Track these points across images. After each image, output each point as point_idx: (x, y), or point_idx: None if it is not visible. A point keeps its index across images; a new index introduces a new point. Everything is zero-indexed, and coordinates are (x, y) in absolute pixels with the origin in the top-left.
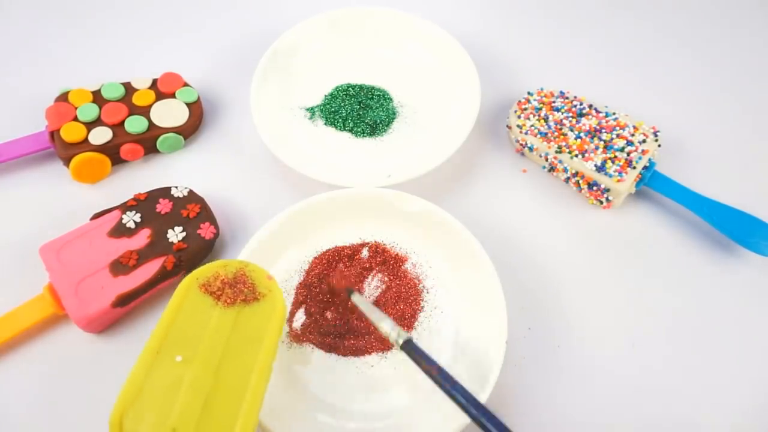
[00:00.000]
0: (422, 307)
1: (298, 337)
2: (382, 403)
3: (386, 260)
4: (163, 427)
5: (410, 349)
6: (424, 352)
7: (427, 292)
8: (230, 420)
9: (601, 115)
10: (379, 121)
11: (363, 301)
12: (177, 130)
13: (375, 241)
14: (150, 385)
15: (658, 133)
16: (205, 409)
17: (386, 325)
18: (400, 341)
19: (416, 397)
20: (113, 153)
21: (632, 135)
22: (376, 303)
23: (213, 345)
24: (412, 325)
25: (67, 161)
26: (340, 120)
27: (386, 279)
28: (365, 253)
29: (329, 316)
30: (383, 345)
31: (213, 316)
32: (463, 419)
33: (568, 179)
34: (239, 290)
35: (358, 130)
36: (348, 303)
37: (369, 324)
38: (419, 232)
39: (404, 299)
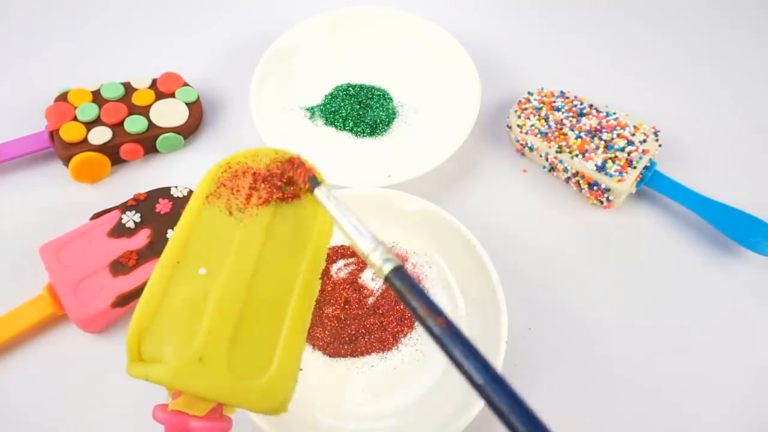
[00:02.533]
0: None
1: None
2: (383, 403)
3: None
4: (187, 353)
5: (399, 281)
6: (419, 287)
7: (427, 292)
8: (269, 344)
9: (601, 114)
10: (379, 121)
11: (331, 199)
12: (177, 130)
13: None
14: (170, 302)
15: (658, 133)
16: (238, 331)
17: (365, 244)
18: (386, 269)
19: (417, 397)
20: (113, 153)
21: (633, 135)
22: (376, 303)
23: (244, 253)
24: (412, 325)
25: (66, 161)
26: (340, 120)
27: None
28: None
29: (330, 314)
30: (383, 345)
31: (242, 218)
32: (465, 420)
33: (568, 179)
34: (274, 185)
35: (358, 130)
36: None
37: (369, 324)
38: (419, 232)
39: None
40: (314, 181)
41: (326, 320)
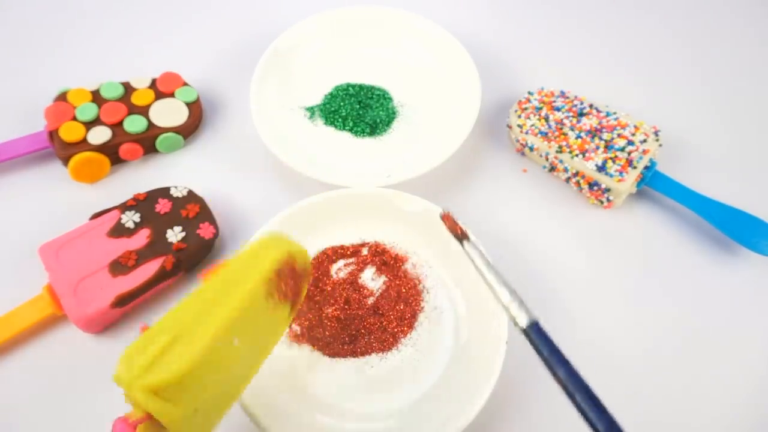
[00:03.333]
0: (422, 308)
1: (298, 338)
2: (383, 403)
3: (386, 260)
4: (192, 405)
5: (535, 336)
6: (553, 342)
7: (427, 293)
8: (220, 404)
9: (601, 114)
10: (379, 120)
11: (480, 255)
12: (176, 130)
13: (375, 241)
14: (206, 362)
15: (659, 133)
16: (218, 390)
17: (505, 297)
18: (523, 323)
19: (417, 398)
20: (112, 153)
21: (633, 135)
22: (376, 303)
23: (258, 336)
24: (413, 325)
25: (66, 161)
26: (340, 120)
27: (386, 279)
28: (365, 252)
29: (330, 314)
30: (383, 345)
31: (270, 306)
32: (464, 421)
33: (568, 179)
34: (294, 285)
35: (358, 129)
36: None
37: (369, 324)
38: (419, 232)
39: (404, 299)
40: (462, 237)
41: (326, 320)
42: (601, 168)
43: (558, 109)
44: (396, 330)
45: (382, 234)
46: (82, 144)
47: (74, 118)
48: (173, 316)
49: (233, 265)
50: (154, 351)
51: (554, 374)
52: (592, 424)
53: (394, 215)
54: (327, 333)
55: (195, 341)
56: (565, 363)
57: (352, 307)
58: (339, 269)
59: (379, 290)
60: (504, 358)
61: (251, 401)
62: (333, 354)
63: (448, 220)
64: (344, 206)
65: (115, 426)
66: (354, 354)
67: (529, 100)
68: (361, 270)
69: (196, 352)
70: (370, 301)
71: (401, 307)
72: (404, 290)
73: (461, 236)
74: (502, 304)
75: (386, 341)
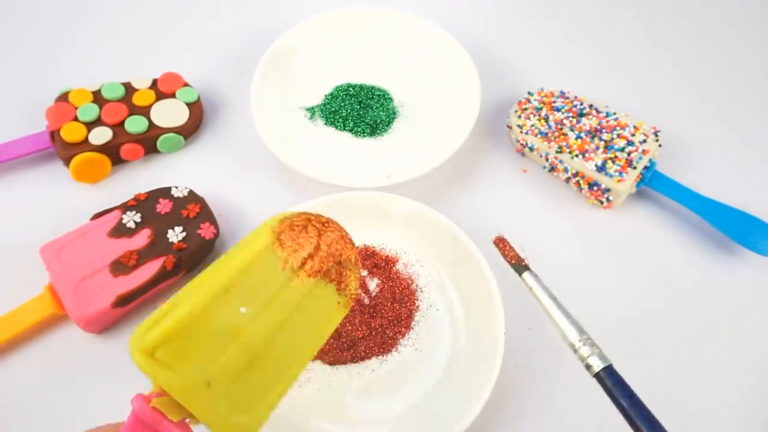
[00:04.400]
0: (418, 307)
1: None
2: (383, 408)
3: (377, 263)
4: (199, 374)
5: (608, 379)
6: (627, 386)
7: (421, 291)
8: (260, 392)
9: (601, 115)
10: (379, 121)
11: (542, 287)
12: (177, 130)
13: (364, 245)
14: (204, 322)
15: (658, 133)
16: (245, 372)
17: (572, 336)
18: (595, 366)
19: (417, 400)
20: (113, 153)
21: (633, 135)
22: (371, 306)
23: (279, 310)
24: (410, 324)
25: (67, 161)
26: (340, 120)
27: (379, 281)
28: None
29: None
30: (382, 348)
31: (292, 278)
32: (464, 424)
33: (568, 179)
34: (329, 264)
35: (358, 130)
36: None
37: (367, 326)
38: (408, 232)
39: (399, 300)
40: (521, 268)
41: None
42: (601, 168)
43: (558, 110)
44: (394, 331)
45: (370, 237)
46: (84, 144)
47: (75, 119)
48: (178, 293)
49: (235, 245)
50: (153, 317)
51: (635, 428)
52: None
53: (381, 217)
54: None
55: (185, 303)
56: (649, 418)
57: (349, 312)
58: None
59: (373, 293)
60: (504, 358)
61: None
62: (333, 362)
63: (503, 245)
64: (331, 211)
65: (133, 401)
66: (354, 360)
67: (529, 101)
68: None
69: (185, 311)
70: (365, 301)
71: (397, 308)
72: (398, 291)
73: (520, 266)
74: (568, 344)
75: (385, 343)
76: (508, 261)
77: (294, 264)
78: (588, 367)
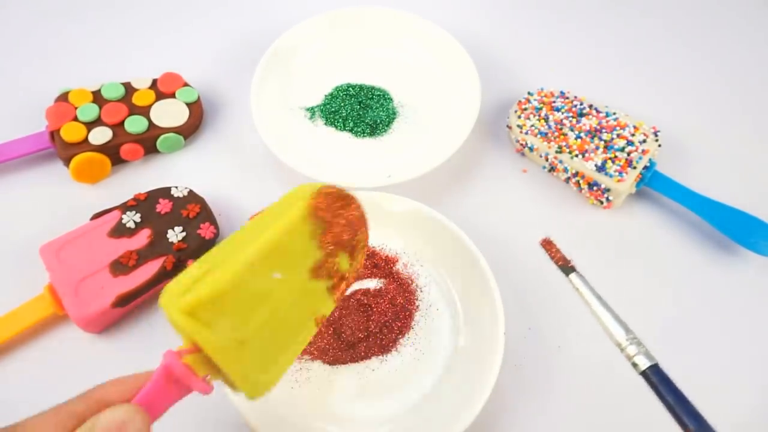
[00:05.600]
0: (417, 307)
1: None
2: (382, 408)
3: (377, 263)
4: (234, 333)
5: (657, 379)
6: (673, 384)
7: (421, 291)
8: (279, 352)
9: (601, 115)
10: (379, 121)
11: (589, 288)
12: (177, 130)
13: None
14: (245, 284)
15: (658, 133)
16: (271, 332)
17: (620, 335)
18: (642, 365)
19: (417, 401)
20: (113, 153)
21: (632, 135)
22: (372, 306)
23: (305, 276)
24: (409, 324)
25: (67, 161)
26: (340, 120)
27: (379, 281)
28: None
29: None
30: (383, 348)
31: (319, 248)
32: (465, 423)
33: (568, 179)
34: (348, 236)
35: (358, 130)
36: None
37: (368, 327)
38: (408, 232)
39: (399, 300)
40: (567, 269)
41: (322, 327)
42: (601, 168)
43: (558, 110)
44: (394, 331)
45: (370, 236)
46: (83, 144)
47: (75, 119)
48: (211, 254)
49: (268, 210)
50: (191, 277)
51: (681, 424)
52: None
53: (381, 217)
54: (324, 341)
55: (228, 266)
56: (695, 415)
57: (348, 312)
58: None
59: (373, 293)
60: (504, 358)
61: (249, 408)
62: (333, 362)
63: (550, 247)
64: None
65: (165, 354)
66: (354, 359)
67: (528, 101)
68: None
69: (229, 274)
70: (365, 303)
71: (397, 308)
72: (398, 291)
73: (567, 267)
74: (615, 343)
75: (385, 343)
76: (555, 262)
77: (321, 237)
78: (635, 365)
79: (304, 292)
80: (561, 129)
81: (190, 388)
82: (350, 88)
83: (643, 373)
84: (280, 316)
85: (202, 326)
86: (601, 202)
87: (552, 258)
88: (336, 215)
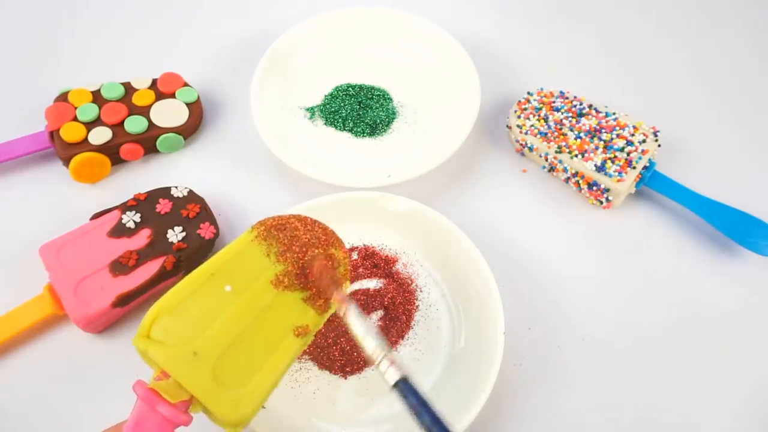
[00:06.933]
0: (417, 307)
1: None
2: (382, 408)
3: (377, 263)
4: (186, 345)
5: (404, 391)
6: (421, 396)
7: (421, 291)
8: (252, 367)
9: (601, 115)
10: (379, 121)
11: (352, 310)
12: (177, 130)
13: (364, 245)
14: (192, 302)
15: (658, 133)
16: (233, 346)
17: (369, 345)
18: (391, 380)
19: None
20: (113, 153)
21: (632, 135)
22: (371, 306)
23: (265, 289)
24: (409, 324)
25: (66, 161)
26: (340, 120)
27: (378, 281)
28: (355, 257)
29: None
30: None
31: (275, 263)
32: (465, 423)
33: (568, 179)
34: (311, 250)
35: (358, 130)
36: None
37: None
38: (406, 232)
39: (399, 300)
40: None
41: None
42: (601, 168)
43: (557, 110)
44: (393, 331)
45: (369, 236)
46: (83, 144)
47: (75, 119)
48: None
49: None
50: (150, 311)
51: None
52: None
53: (381, 217)
54: (322, 341)
55: (174, 288)
56: (437, 422)
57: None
58: None
59: (373, 293)
60: (504, 358)
61: None
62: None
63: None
64: (330, 212)
65: (134, 386)
66: (353, 373)
67: (528, 101)
68: (353, 274)
69: (173, 293)
70: (365, 303)
71: (396, 308)
72: (398, 291)
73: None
74: (368, 356)
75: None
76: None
77: (276, 252)
78: (385, 380)
79: (274, 304)
80: (561, 129)
81: (161, 414)
82: (350, 88)
83: (395, 386)
84: (244, 329)
85: (153, 343)
86: (601, 202)
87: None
88: (293, 236)
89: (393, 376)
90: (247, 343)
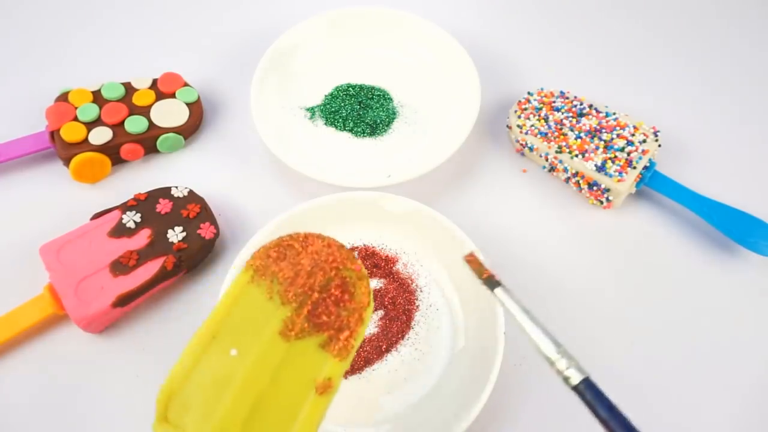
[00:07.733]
0: (417, 307)
1: None
2: (382, 408)
3: (377, 263)
4: (207, 426)
5: (587, 392)
6: (606, 397)
7: (421, 291)
8: None
9: (601, 115)
10: (379, 121)
11: (515, 302)
12: (177, 130)
13: (364, 245)
14: (200, 373)
15: (658, 133)
16: (254, 413)
17: (548, 349)
18: (573, 379)
19: (417, 401)
20: (113, 153)
21: (632, 135)
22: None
23: (276, 339)
24: (409, 324)
25: (67, 161)
26: (340, 120)
27: (379, 281)
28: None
29: None
30: (379, 354)
31: (280, 306)
32: (465, 423)
33: (568, 179)
34: (322, 277)
35: (358, 130)
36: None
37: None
38: (408, 232)
39: (399, 300)
40: (493, 283)
41: None
42: (601, 168)
43: (557, 110)
44: (393, 331)
45: (370, 237)
46: (83, 144)
47: (75, 119)
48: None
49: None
50: (162, 388)
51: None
52: None
53: (381, 217)
54: None
55: (179, 360)
56: (629, 429)
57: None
58: None
59: (373, 293)
60: (504, 358)
61: None
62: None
63: (473, 262)
64: (330, 212)
65: None
66: (361, 367)
67: (528, 101)
68: None
69: (179, 367)
70: None
71: (396, 308)
72: (398, 291)
73: (492, 281)
74: (544, 357)
75: (382, 350)
76: (479, 277)
77: (279, 291)
78: (566, 379)
79: (287, 358)
80: (561, 129)
81: None
82: (350, 88)
83: (575, 388)
84: (260, 396)
85: (173, 428)
86: (601, 202)
87: (476, 273)
88: (293, 263)
89: (575, 377)
90: (268, 407)
